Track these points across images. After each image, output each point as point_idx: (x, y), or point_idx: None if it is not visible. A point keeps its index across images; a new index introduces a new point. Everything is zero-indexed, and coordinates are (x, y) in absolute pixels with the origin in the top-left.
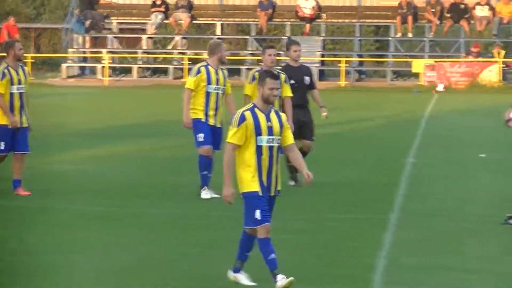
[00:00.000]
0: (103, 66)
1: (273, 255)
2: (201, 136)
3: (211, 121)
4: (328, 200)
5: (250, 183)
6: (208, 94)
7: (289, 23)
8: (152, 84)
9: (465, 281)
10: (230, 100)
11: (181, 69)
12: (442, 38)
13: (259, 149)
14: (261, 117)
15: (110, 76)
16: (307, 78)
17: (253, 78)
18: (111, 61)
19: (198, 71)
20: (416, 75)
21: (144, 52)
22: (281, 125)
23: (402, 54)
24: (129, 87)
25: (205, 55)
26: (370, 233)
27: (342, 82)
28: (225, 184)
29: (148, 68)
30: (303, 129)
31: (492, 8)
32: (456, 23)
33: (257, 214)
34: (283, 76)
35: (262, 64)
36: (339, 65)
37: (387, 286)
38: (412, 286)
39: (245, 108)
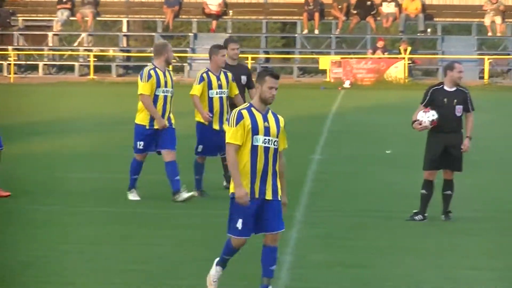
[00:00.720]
0: (9, 63)
1: (226, 258)
2: (141, 144)
3: (157, 126)
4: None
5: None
6: (156, 97)
7: (195, 20)
8: (58, 81)
9: (369, 277)
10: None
11: (87, 66)
12: (349, 34)
13: (254, 149)
14: (258, 116)
15: (15, 73)
16: (243, 77)
17: (201, 79)
18: (16, 58)
19: (149, 75)
20: (323, 72)
21: (50, 49)
22: (278, 128)
23: (308, 51)
24: (35, 84)
25: (111, 51)
26: None
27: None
28: (236, 185)
29: (54, 65)
30: None
31: (398, 5)
32: (362, 19)
33: (239, 223)
34: (230, 75)
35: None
36: (245, 61)
37: (294, 282)
38: (318, 282)
39: (241, 106)
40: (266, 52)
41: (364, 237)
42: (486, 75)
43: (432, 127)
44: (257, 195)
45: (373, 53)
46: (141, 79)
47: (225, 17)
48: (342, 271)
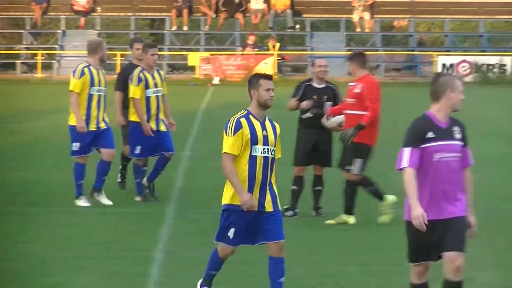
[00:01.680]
0: None
1: (212, 274)
2: (76, 145)
3: (93, 126)
4: (106, 194)
5: (234, 195)
6: (91, 96)
7: (64, 16)
8: None
9: (243, 272)
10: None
11: None
12: (218, 31)
13: (253, 159)
14: (257, 125)
15: None
16: None
17: (82, 73)
18: None
19: (83, 73)
20: (192, 68)
21: None
22: (276, 136)
23: (177, 48)
24: None
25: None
26: (148, 227)
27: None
28: (239, 192)
29: None
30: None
31: (267, 1)
32: (231, 16)
33: (231, 232)
34: (163, 73)
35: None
36: (114, 58)
37: (165, 278)
38: (189, 279)
39: (239, 114)
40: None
41: None
42: None
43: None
44: (255, 208)
45: (243, 49)
46: (73, 75)
47: (93, 14)
48: None
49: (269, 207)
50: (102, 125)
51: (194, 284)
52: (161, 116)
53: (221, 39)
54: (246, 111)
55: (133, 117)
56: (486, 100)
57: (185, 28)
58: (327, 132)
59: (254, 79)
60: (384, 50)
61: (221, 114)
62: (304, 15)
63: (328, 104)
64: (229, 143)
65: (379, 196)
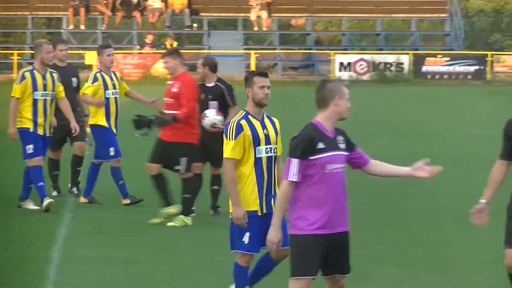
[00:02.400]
0: None
1: None
2: (30, 148)
3: (40, 131)
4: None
5: (247, 201)
6: (35, 101)
7: None
8: None
9: (142, 272)
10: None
11: None
12: (115, 30)
13: (258, 161)
14: (257, 124)
15: None
16: (74, 80)
17: (22, 78)
18: None
19: (23, 77)
20: (89, 67)
21: None
22: (276, 132)
23: (75, 46)
24: None
25: None
26: (46, 227)
27: (15, 74)
28: (234, 204)
29: None
30: (72, 133)
31: (164, 0)
32: (128, 14)
33: (246, 237)
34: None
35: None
36: (11, 57)
37: (62, 278)
38: (87, 278)
39: (238, 116)
40: (32, 48)
41: (137, 233)
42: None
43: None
44: (265, 210)
45: (141, 48)
46: (15, 80)
47: None
48: (113, 266)
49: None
50: (49, 133)
51: (90, 283)
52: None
53: (118, 38)
54: (244, 112)
55: (93, 121)
56: (384, 99)
57: (82, 27)
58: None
59: (249, 77)
60: (282, 49)
61: (120, 113)
62: (202, 14)
63: (213, 104)
64: (230, 148)
65: (166, 200)
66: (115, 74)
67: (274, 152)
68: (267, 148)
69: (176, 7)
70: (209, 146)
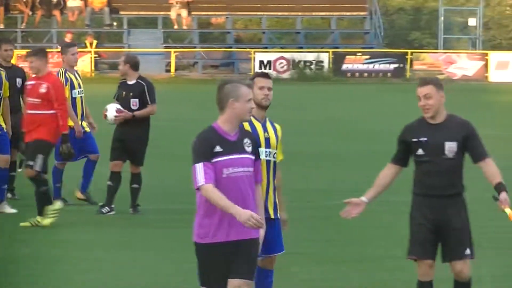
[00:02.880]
0: None
1: None
2: None
3: None
4: None
5: None
6: None
7: None
8: None
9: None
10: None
11: None
12: (35, 28)
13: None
14: (258, 127)
15: None
16: (19, 80)
17: (66, 80)
18: None
19: None
20: None
21: None
22: (277, 138)
23: None
24: None
25: None
26: None
27: None
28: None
29: None
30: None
31: None
32: (48, 13)
33: None
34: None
35: None
36: None
37: None
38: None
39: None
40: None
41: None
42: (172, 68)
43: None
44: (272, 216)
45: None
46: None
47: None
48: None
49: (271, 213)
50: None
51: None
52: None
53: (38, 37)
54: None
55: None
56: (304, 97)
57: (1, 26)
58: (135, 130)
59: (252, 78)
60: (202, 47)
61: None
62: (121, 13)
63: (133, 101)
64: None
65: (48, 199)
66: (78, 74)
67: (273, 157)
68: (266, 151)
69: (96, 6)
70: (130, 144)
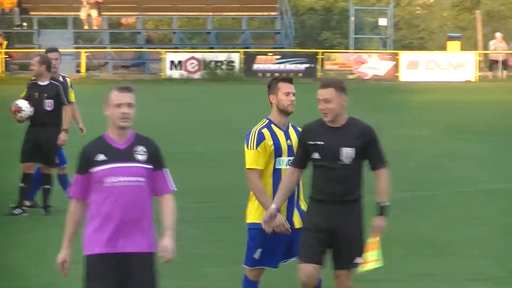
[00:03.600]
0: None
1: None
2: None
3: None
4: None
5: (259, 212)
6: None
7: None
8: None
9: None
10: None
11: None
12: None
13: (277, 173)
14: (280, 134)
15: None
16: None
17: None
18: None
19: None
20: None
21: None
22: None
23: None
24: None
25: None
26: None
27: None
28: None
29: None
30: None
31: None
32: None
33: (257, 254)
34: (69, 80)
35: None
36: None
37: None
38: None
39: (260, 125)
40: None
41: None
42: (83, 69)
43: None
44: (290, 224)
45: None
46: None
47: None
48: None
49: (298, 222)
50: None
51: None
52: None
53: None
54: (267, 120)
55: None
56: (215, 97)
57: None
58: (48, 130)
59: (273, 83)
60: (112, 48)
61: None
62: (32, 13)
63: (48, 102)
64: (252, 157)
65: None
66: (65, 80)
67: None
68: (289, 160)
69: (5, 6)
70: (43, 145)
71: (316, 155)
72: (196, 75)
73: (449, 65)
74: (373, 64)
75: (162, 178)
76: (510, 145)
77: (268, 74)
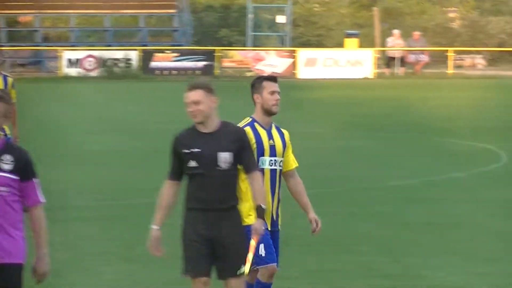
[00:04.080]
0: None
1: None
2: None
3: None
4: None
5: (248, 215)
6: None
7: None
8: None
9: None
10: None
11: None
12: None
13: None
14: (263, 133)
15: None
16: None
17: None
18: None
19: None
20: None
21: None
22: (284, 145)
23: None
24: None
25: None
26: None
27: None
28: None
29: None
30: None
31: None
32: None
33: (261, 250)
34: (11, 80)
35: None
36: None
37: None
38: None
39: (243, 123)
40: None
41: None
42: None
43: None
44: (269, 227)
45: None
46: None
47: None
48: None
49: (275, 225)
50: None
51: None
52: None
53: None
54: (251, 119)
55: None
56: (113, 95)
57: None
58: None
59: (257, 82)
60: (10, 46)
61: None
62: None
63: None
64: None
65: None
66: (5, 79)
67: (279, 166)
68: (271, 160)
69: None
70: None
71: (193, 163)
72: (94, 73)
73: (346, 62)
74: (271, 62)
75: (30, 189)
76: (405, 142)
77: (166, 72)
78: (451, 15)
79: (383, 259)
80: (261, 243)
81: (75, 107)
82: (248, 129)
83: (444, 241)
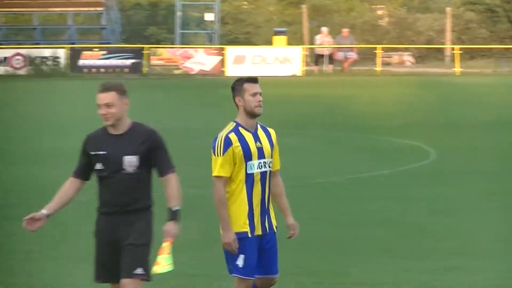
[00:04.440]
0: None
1: None
2: None
3: None
4: None
5: (236, 221)
6: None
7: None
8: None
9: None
10: None
11: None
12: None
13: (249, 178)
14: (249, 137)
15: None
16: None
17: None
18: None
19: None
20: None
21: None
22: (272, 145)
23: None
24: None
25: None
26: None
27: None
28: (223, 228)
29: None
30: None
31: None
32: None
33: (240, 260)
34: None
35: None
36: None
37: None
38: None
39: (227, 129)
40: None
41: None
42: None
43: None
44: (260, 231)
45: None
46: None
47: None
48: None
49: (268, 228)
50: None
51: None
52: None
53: None
54: (234, 124)
55: None
56: (40, 94)
57: None
58: None
59: (237, 84)
60: None
61: None
62: None
63: None
64: (219, 165)
65: None
66: None
67: (269, 167)
68: (260, 162)
69: None
70: None
71: (99, 166)
72: (22, 71)
73: (275, 60)
74: (199, 59)
75: None
76: (331, 139)
77: (94, 70)
78: (379, 12)
79: (309, 256)
80: (241, 253)
81: (1, 106)
82: (232, 136)
83: (370, 238)
